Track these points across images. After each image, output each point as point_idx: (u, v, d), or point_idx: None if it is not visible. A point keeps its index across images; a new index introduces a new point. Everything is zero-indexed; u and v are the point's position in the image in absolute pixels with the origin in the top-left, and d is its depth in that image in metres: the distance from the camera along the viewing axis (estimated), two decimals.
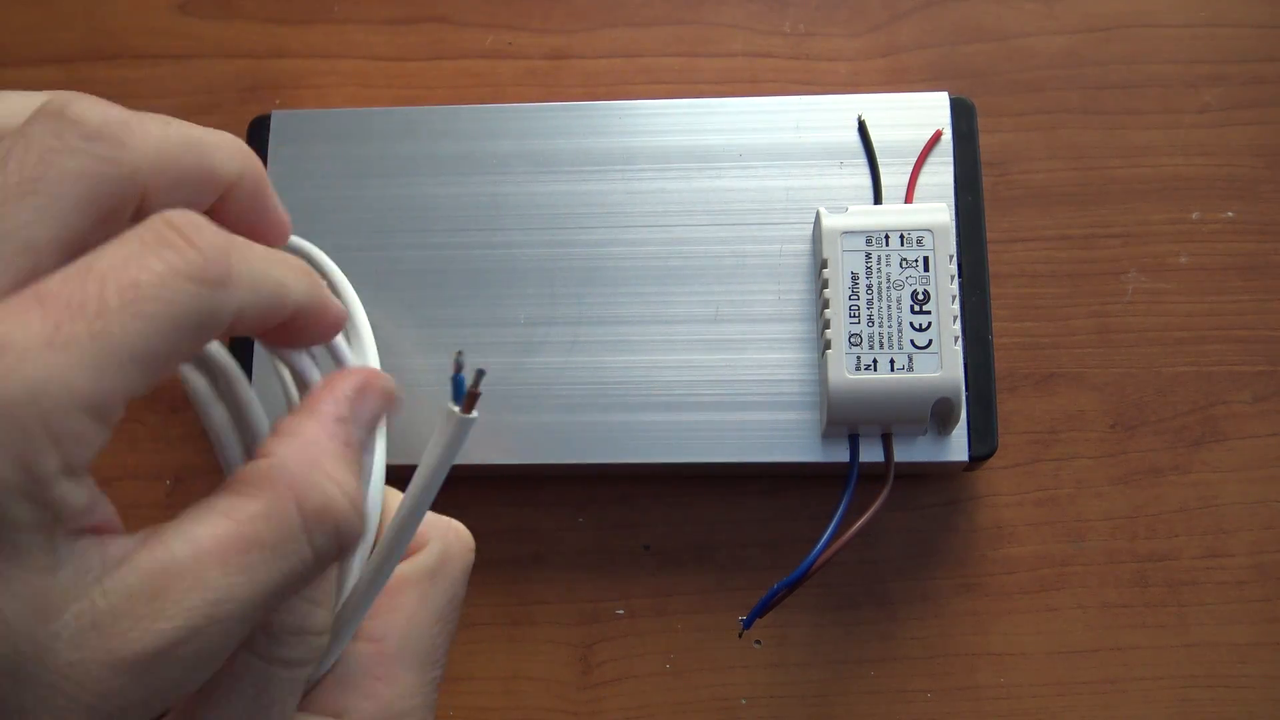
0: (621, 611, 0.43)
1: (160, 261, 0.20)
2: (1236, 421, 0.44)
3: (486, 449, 0.41)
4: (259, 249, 0.23)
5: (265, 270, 0.22)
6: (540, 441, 0.41)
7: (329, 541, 0.22)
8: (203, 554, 0.20)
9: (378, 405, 0.26)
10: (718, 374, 0.41)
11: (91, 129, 0.21)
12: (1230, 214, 0.46)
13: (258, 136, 0.45)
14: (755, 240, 0.43)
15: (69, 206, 0.20)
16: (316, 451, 0.23)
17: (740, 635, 0.42)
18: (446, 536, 0.30)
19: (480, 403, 0.26)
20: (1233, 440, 0.43)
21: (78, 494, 0.19)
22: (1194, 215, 0.46)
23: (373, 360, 0.31)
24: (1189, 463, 0.43)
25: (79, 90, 0.22)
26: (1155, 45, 0.48)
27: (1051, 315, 0.45)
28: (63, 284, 0.19)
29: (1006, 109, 0.47)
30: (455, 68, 0.49)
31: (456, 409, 0.26)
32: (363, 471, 0.25)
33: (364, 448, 0.25)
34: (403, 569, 0.29)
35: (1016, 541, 0.43)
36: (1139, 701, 0.41)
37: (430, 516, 0.29)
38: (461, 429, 0.26)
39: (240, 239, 0.22)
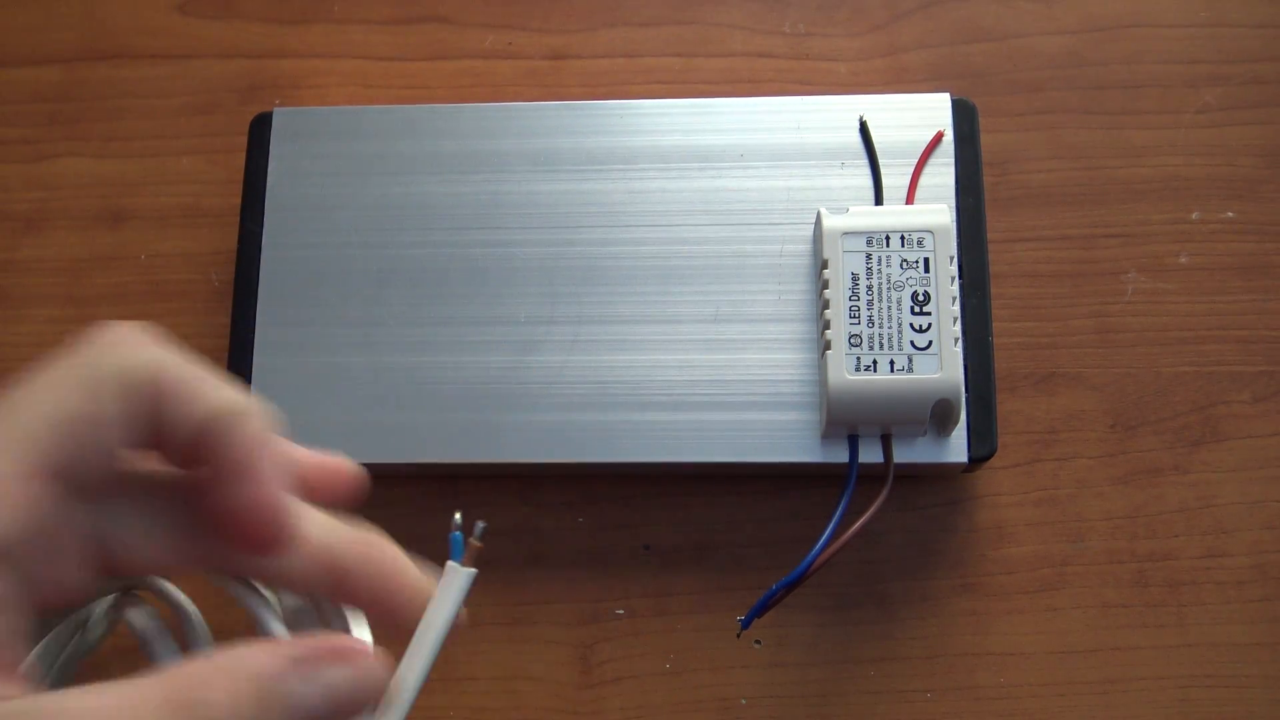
0: (621, 611, 0.43)
1: None
2: (1236, 421, 0.44)
3: (486, 448, 0.41)
4: None
5: None
6: (540, 441, 0.41)
7: None
8: None
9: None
10: (718, 374, 0.41)
11: None
12: (1230, 214, 0.46)
13: (259, 135, 0.45)
14: (755, 240, 0.43)
15: None
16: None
17: (740, 635, 0.42)
18: None
19: (478, 546, 0.28)
20: (1233, 440, 0.43)
21: None
22: (1194, 215, 0.46)
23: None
24: (1189, 463, 0.43)
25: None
26: (1155, 45, 0.48)
27: (1051, 315, 0.45)
28: None
29: (1007, 109, 0.47)
30: (455, 68, 0.49)
31: (457, 564, 0.28)
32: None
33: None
34: None
35: (1016, 542, 0.43)
36: (1139, 701, 0.41)
37: None
38: (463, 583, 0.27)
39: None
